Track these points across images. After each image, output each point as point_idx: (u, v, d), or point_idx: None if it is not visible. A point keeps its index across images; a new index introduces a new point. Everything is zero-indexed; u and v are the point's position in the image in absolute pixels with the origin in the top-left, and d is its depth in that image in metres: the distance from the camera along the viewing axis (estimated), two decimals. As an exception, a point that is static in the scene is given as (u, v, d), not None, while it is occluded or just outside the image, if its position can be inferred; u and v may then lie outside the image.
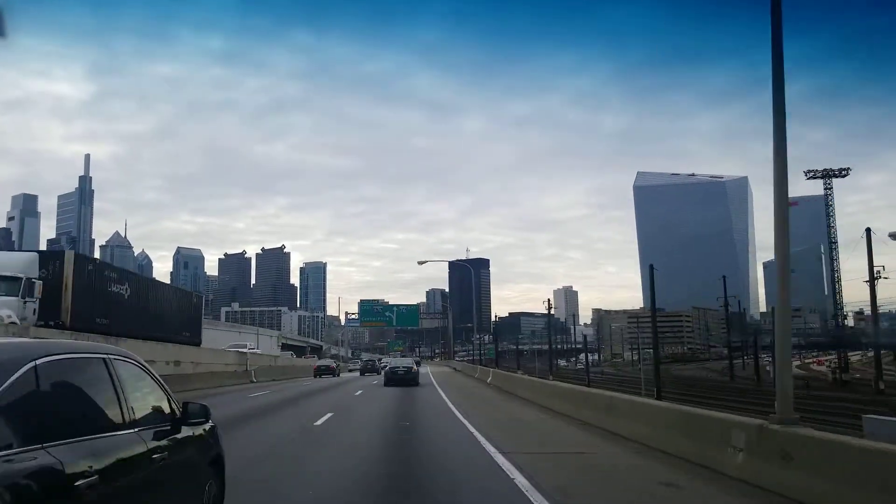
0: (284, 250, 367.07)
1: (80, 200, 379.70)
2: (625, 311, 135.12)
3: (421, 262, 58.13)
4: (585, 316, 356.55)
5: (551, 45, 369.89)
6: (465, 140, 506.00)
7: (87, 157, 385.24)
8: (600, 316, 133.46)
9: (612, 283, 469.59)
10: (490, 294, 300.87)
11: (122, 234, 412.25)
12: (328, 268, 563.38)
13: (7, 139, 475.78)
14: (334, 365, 56.80)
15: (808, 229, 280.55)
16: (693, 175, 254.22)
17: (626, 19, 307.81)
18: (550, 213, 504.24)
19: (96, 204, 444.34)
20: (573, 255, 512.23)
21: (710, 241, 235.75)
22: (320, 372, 50.79)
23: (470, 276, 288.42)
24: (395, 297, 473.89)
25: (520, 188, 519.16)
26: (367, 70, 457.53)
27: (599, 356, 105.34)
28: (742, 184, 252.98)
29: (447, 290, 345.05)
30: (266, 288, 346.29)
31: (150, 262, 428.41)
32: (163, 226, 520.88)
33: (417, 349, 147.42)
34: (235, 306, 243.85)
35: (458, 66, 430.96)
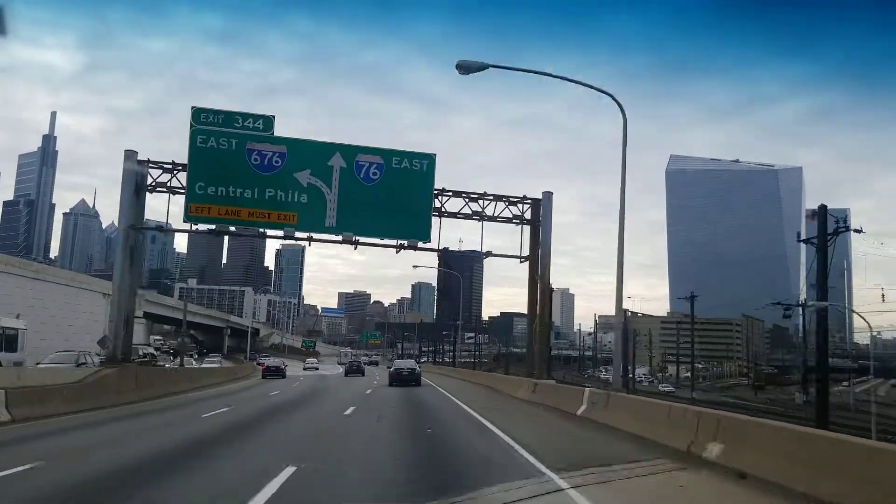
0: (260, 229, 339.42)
1: (42, 161, 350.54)
2: (654, 317, 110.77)
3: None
4: (580, 321, 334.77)
5: (551, 49, 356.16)
6: (458, 138, 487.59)
7: (54, 114, 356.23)
8: (627, 319, 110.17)
9: (599, 292, 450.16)
10: (482, 291, 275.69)
11: (90, 204, 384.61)
12: (314, 259, 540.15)
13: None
14: (283, 365, 51.65)
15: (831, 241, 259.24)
16: (738, 161, 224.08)
17: (628, 29, 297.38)
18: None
19: (79, 178, 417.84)
20: (561, 262, 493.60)
21: (757, 238, 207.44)
22: (269, 373, 47.64)
23: (461, 269, 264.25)
24: (379, 293, 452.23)
25: (510, 190, 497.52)
26: (364, 60, 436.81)
27: (658, 371, 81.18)
28: (796, 175, 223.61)
29: (435, 284, 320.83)
30: (238, 269, 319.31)
31: (118, 237, 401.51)
32: (146, 204, 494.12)
33: (400, 344, 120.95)
34: (192, 282, 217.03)
35: (456, 62, 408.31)
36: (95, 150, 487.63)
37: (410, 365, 36.79)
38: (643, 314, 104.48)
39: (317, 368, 76.02)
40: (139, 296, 34.52)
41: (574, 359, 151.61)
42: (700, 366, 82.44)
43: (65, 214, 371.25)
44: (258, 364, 62.01)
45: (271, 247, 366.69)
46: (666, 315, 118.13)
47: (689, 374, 75.16)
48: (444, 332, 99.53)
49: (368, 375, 55.13)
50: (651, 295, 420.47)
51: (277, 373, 47.19)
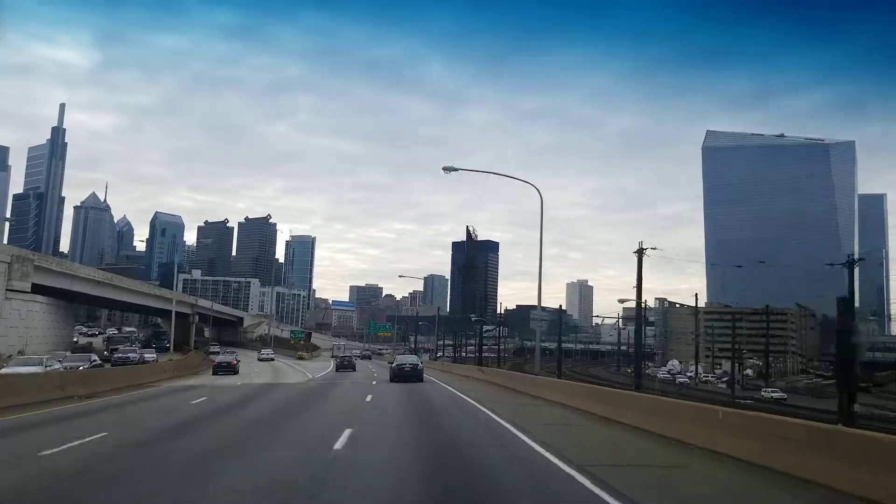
0: (270, 220, 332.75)
1: (51, 153, 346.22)
2: (691, 307, 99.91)
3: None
4: (600, 313, 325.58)
5: (566, 39, 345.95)
6: (470, 131, 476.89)
7: (62, 106, 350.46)
8: (665, 311, 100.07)
9: (612, 286, 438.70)
10: (497, 282, 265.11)
11: (101, 197, 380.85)
12: (325, 253, 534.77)
13: (8, 104, 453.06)
14: (235, 361, 46.87)
15: (867, 229, 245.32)
16: (782, 136, 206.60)
17: (645, 17, 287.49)
18: (552, 211, 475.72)
19: (96, 174, 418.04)
20: (573, 256, 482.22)
21: (805, 220, 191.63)
22: (220, 369, 44.26)
23: (475, 260, 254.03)
24: (391, 287, 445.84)
25: (523, 184, 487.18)
26: (375, 54, 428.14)
27: (713, 371, 70.74)
28: (848, 149, 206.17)
29: (448, 277, 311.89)
30: (247, 261, 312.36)
31: (131, 230, 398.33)
32: (161, 200, 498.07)
33: (413, 337, 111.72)
34: (197, 274, 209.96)
35: (469, 55, 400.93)
36: (110, 146, 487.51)
37: (412, 361, 36.91)
38: (680, 304, 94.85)
39: (272, 359, 69.52)
40: (19, 259, 22.33)
41: (602, 353, 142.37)
42: (759, 362, 72.33)
43: (76, 208, 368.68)
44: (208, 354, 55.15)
45: (281, 239, 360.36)
46: (705, 306, 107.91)
47: (748, 371, 65.23)
48: (473, 320, 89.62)
49: (361, 371, 48.28)
50: (665, 289, 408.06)
51: (229, 369, 44.13)
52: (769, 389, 52.82)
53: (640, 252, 33.67)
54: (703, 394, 49.90)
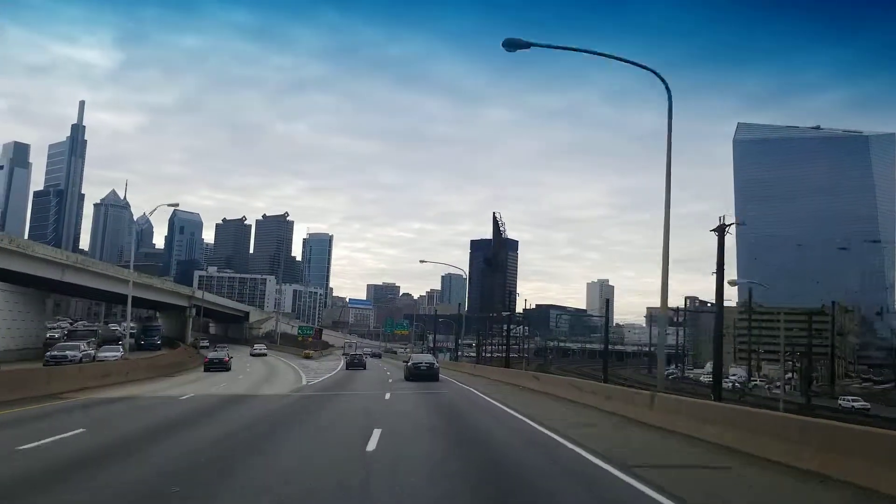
0: (287, 218, 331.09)
1: (71, 151, 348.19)
2: (731, 307, 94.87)
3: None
4: (619, 315, 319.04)
5: (583, 39, 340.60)
6: (487, 131, 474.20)
7: (82, 104, 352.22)
8: (696, 310, 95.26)
9: (629, 287, 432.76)
10: (516, 281, 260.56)
11: (121, 195, 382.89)
12: (343, 252, 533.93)
13: (30, 103, 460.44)
14: (227, 358, 44.93)
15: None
16: (818, 128, 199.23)
17: (663, 17, 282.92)
18: (570, 211, 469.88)
19: (118, 173, 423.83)
20: (591, 256, 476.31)
21: (844, 216, 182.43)
22: (212, 366, 43.06)
23: (499, 253, 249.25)
24: (408, 286, 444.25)
25: (540, 184, 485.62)
26: (392, 53, 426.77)
27: (755, 373, 65.81)
28: (888, 142, 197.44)
29: (466, 275, 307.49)
30: (264, 259, 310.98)
31: (150, 227, 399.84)
32: (182, 199, 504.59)
33: (432, 336, 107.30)
34: (213, 270, 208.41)
35: (486, 54, 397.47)
36: (131, 145, 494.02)
37: (428, 360, 36.51)
38: (711, 304, 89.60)
39: (265, 354, 67.34)
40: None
41: (627, 354, 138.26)
42: (801, 364, 67.22)
43: (95, 205, 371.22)
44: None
45: (298, 236, 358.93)
46: (737, 305, 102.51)
47: (790, 374, 60.21)
48: (504, 315, 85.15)
49: (372, 371, 46.05)
50: (694, 289, 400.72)
51: (221, 366, 42.79)
52: (849, 398, 47.41)
53: (722, 229, 29.02)
54: (761, 400, 45.00)
